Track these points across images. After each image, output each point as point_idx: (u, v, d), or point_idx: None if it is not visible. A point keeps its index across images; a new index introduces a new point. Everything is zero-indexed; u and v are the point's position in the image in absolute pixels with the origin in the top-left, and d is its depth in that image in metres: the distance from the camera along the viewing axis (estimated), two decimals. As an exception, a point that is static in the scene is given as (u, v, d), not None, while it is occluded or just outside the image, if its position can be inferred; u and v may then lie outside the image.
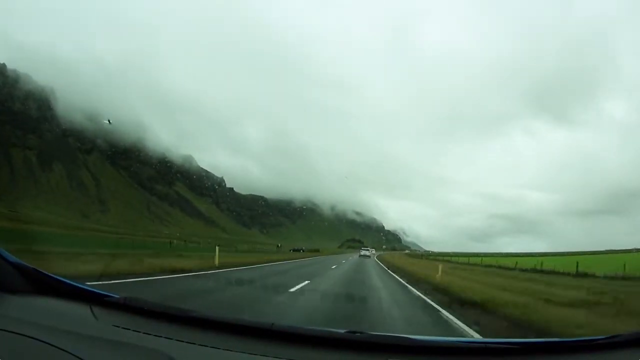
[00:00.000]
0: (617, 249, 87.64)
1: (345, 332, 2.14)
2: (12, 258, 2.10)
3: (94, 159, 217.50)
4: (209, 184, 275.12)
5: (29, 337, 1.66)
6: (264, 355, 1.85)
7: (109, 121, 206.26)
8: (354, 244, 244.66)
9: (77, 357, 1.58)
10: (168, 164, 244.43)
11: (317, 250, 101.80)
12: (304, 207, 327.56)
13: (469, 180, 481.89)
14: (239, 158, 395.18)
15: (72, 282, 2.30)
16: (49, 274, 2.22)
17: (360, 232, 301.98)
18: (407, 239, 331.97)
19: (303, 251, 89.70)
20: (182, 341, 1.90)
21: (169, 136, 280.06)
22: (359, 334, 2.12)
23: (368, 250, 76.62)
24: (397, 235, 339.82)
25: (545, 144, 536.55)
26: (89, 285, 2.44)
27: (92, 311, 2.11)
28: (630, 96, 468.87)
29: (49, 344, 1.64)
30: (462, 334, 7.15)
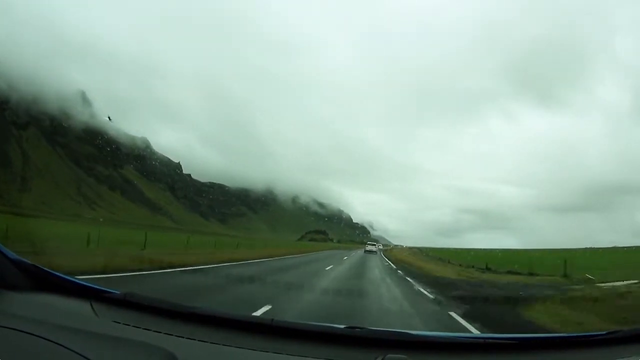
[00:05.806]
0: (595, 247, 78.08)
1: (345, 327, 2.13)
2: (12, 254, 2.08)
3: (29, 135, 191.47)
4: (164, 169, 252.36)
5: (29, 333, 1.64)
6: (264, 351, 1.85)
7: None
8: (317, 235, 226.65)
9: (78, 353, 1.57)
10: (115, 145, 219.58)
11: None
12: (265, 197, 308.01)
13: (439, 171, 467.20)
14: (194, 141, 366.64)
15: (72, 279, 2.28)
16: (49, 271, 2.21)
17: (325, 224, 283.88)
18: (375, 232, 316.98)
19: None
20: (183, 337, 1.90)
21: (106, 108, 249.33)
22: (358, 329, 2.11)
23: (374, 245, 63.32)
24: (365, 228, 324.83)
25: (523, 132, 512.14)
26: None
27: (92, 307, 2.10)
28: (624, 80, 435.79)
29: (49, 340, 1.62)
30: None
